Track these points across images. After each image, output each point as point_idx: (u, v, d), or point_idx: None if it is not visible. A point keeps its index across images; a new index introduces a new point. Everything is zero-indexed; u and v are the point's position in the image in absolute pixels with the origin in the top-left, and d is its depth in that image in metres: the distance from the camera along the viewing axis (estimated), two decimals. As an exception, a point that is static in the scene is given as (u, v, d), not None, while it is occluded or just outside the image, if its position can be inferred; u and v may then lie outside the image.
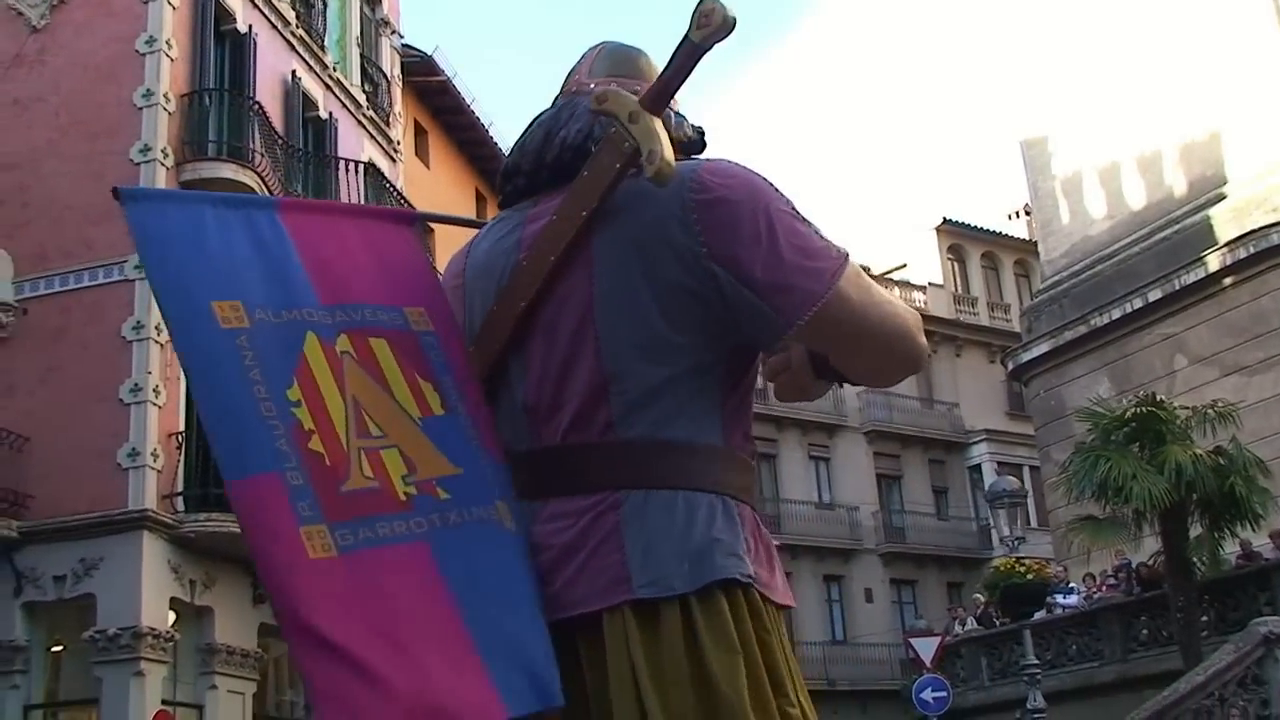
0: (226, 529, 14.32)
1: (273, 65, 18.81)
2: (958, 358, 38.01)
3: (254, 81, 17.93)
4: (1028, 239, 37.47)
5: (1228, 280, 20.40)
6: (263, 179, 16.69)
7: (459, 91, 25.30)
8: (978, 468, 36.42)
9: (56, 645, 15.52)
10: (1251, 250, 19.99)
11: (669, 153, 1.70)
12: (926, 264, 38.73)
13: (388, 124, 22.74)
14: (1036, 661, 16.32)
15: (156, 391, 15.20)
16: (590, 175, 1.79)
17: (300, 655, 1.59)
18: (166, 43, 16.54)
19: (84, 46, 16.70)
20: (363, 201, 18.62)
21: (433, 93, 25.12)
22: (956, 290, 39.14)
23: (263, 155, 17.15)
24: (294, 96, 19.38)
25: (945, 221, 39.39)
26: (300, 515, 1.65)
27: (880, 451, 36.11)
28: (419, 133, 25.14)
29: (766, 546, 1.82)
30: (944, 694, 17.96)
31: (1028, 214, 34.13)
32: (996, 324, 38.71)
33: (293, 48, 19.63)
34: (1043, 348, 23.82)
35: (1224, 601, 17.11)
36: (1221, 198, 21.06)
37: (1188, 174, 21.91)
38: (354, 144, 20.96)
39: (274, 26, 19.11)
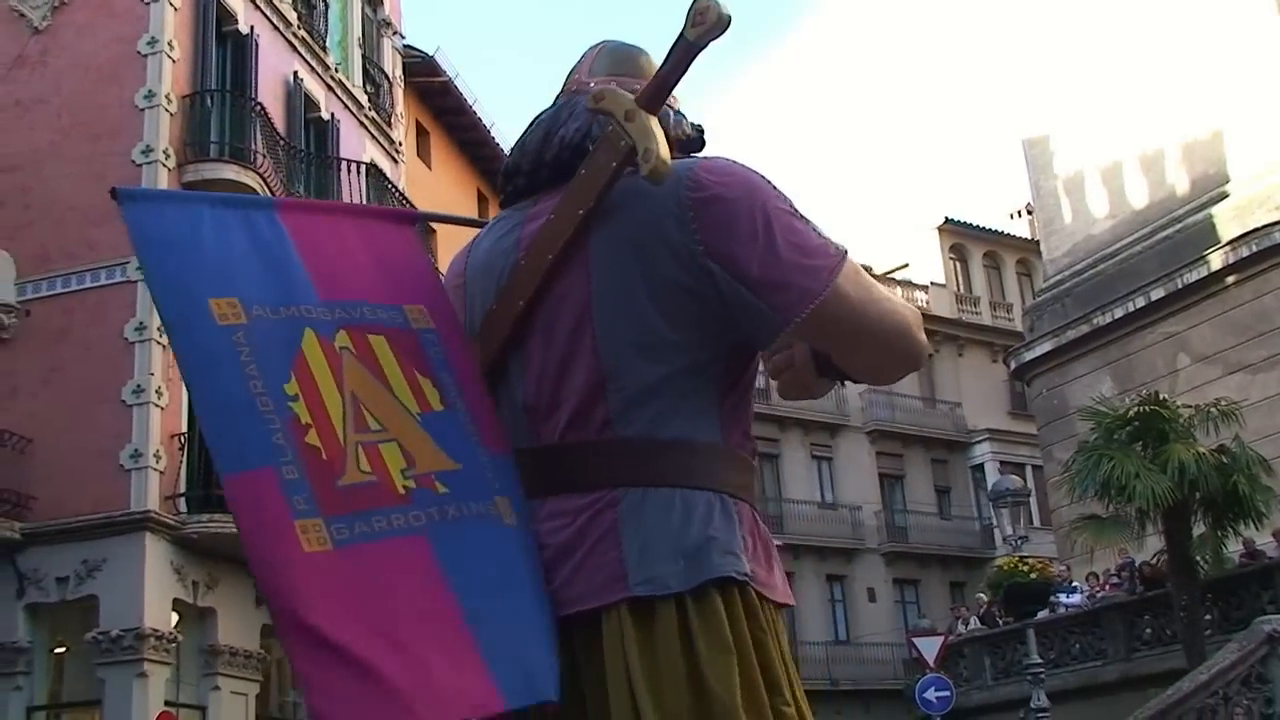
0: (229, 530, 14.30)
1: (274, 66, 18.81)
2: (960, 357, 37.99)
3: (256, 82, 17.93)
4: (1030, 238, 37.45)
5: (1230, 279, 20.38)
6: (264, 180, 16.69)
7: (461, 92, 25.31)
8: (980, 467, 36.41)
9: (59, 647, 15.52)
10: (1254, 248, 19.97)
11: (664, 151, 1.71)
12: (928, 263, 38.72)
13: (389, 125, 22.74)
14: (1040, 661, 16.31)
15: (159, 392, 15.20)
16: (587, 174, 1.80)
17: (293, 648, 1.59)
18: (168, 44, 16.55)
19: (86, 48, 16.71)
20: (364, 202, 18.62)
21: (434, 93, 25.13)
22: (959, 290, 39.12)
23: (264, 156, 17.16)
24: (296, 97, 19.38)
25: (947, 221, 39.37)
26: (295, 509, 1.65)
27: (883, 451, 36.10)
28: (421, 133, 25.14)
29: (765, 544, 1.82)
30: (947, 693, 17.96)
31: (1029, 213, 34.12)
32: (999, 323, 38.69)
33: (294, 49, 19.64)
34: (1045, 347, 23.81)
35: (1227, 600, 17.10)
36: (1224, 196, 21.04)
37: (1190, 172, 21.89)
38: (356, 145, 20.97)
39: (275, 27, 19.11)
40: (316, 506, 1.66)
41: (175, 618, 15.37)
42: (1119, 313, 22.15)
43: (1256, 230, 19.99)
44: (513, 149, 1.97)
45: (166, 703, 14.86)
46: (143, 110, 16.23)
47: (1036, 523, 26.55)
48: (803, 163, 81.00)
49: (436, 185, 24.58)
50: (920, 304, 35.35)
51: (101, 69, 16.56)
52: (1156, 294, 21.45)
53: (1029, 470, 31.93)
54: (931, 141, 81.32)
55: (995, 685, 20.37)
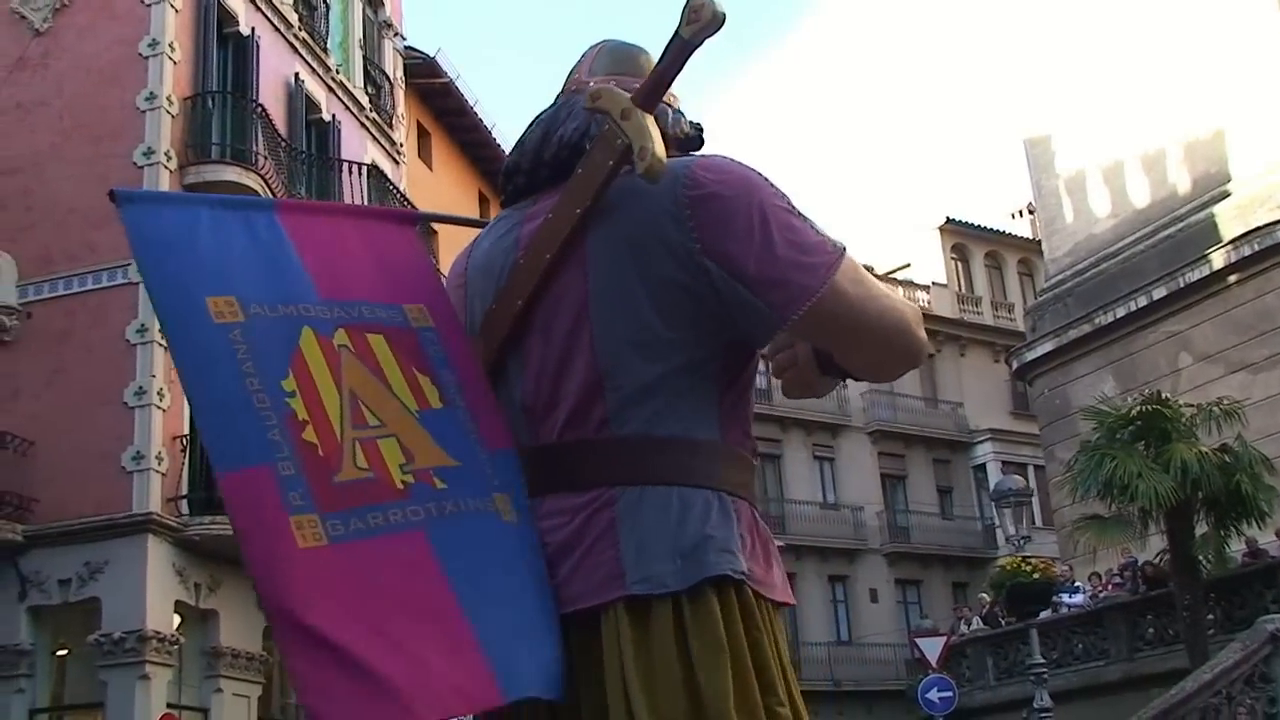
0: (231, 532, 14.19)
1: (275, 68, 18.81)
2: (962, 357, 37.98)
3: (257, 84, 17.93)
4: (1031, 238, 37.45)
5: (1232, 278, 20.37)
6: (266, 181, 16.69)
7: (462, 93, 25.32)
8: (982, 467, 36.40)
9: (61, 649, 15.51)
10: (1256, 247, 19.96)
11: (660, 149, 1.71)
12: (930, 263, 38.71)
13: (390, 126, 22.75)
14: (1043, 661, 16.30)
15: (160, 394, 15.20)
16: (584, 173, 1.80)
17: (287, 646, 1.58)
18: (169, 45, 16.55)
19: (87, 50, 16.71)
20: (366, 204, 18.62)
21: (435, 95, 25.13)
22: (960, 290, 39.11)
23: (266, 158, 17.16)
24: (297, 99, 19.38)
25: (948, 221, 39.37)
26: (291, 505, 1.65)
27: (885, 451, 36.09)
28: (422, 135, 25.15)
29: (764, 543, 1.81)
30: (950, 694, 17.96)
31: (1031, 213, 34.13)
32: (1000, 323, 38.67)
33: (295, 50, 19.64)
34: (1047, 346, 23.80)
35: (1230, 599, 17.08)
36: (1225, 195, 21.03)
37: (1191, 171, 21.88)
38: (357, 146, 20.98)
39: (276, 29, 19.12)
40: (312, 502, 1.66)
41: (177, 620, 15.37)
42: (1121, 312, 22.13)
43: (1258, 229, 19.98)
44: (513, 149, 1.98)
45: (169, 705, 14.86)
46: (144, 112, 16.23)
47: (1038, 523, 26.53)
48: (803, 163, 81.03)
49: (438, 186, 24.59)
50: (922, 304, 35.34)
51: (103, 71, 16.56)
52: (1158, 293, 21.44)
53: (1031, 470, 31.90)
54: (932, 141, 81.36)
55: (998, 685, 20.36)
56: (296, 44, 19.66)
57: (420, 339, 1.88)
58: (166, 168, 15.98)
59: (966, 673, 20.70)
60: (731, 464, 1.81)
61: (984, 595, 23.30)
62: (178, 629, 15.23)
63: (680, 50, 1.75)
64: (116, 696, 14.41)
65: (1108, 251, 23.17)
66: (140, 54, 16.49)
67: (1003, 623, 20.78)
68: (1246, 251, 20.11)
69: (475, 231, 2.09)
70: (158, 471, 15.10)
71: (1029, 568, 17.51)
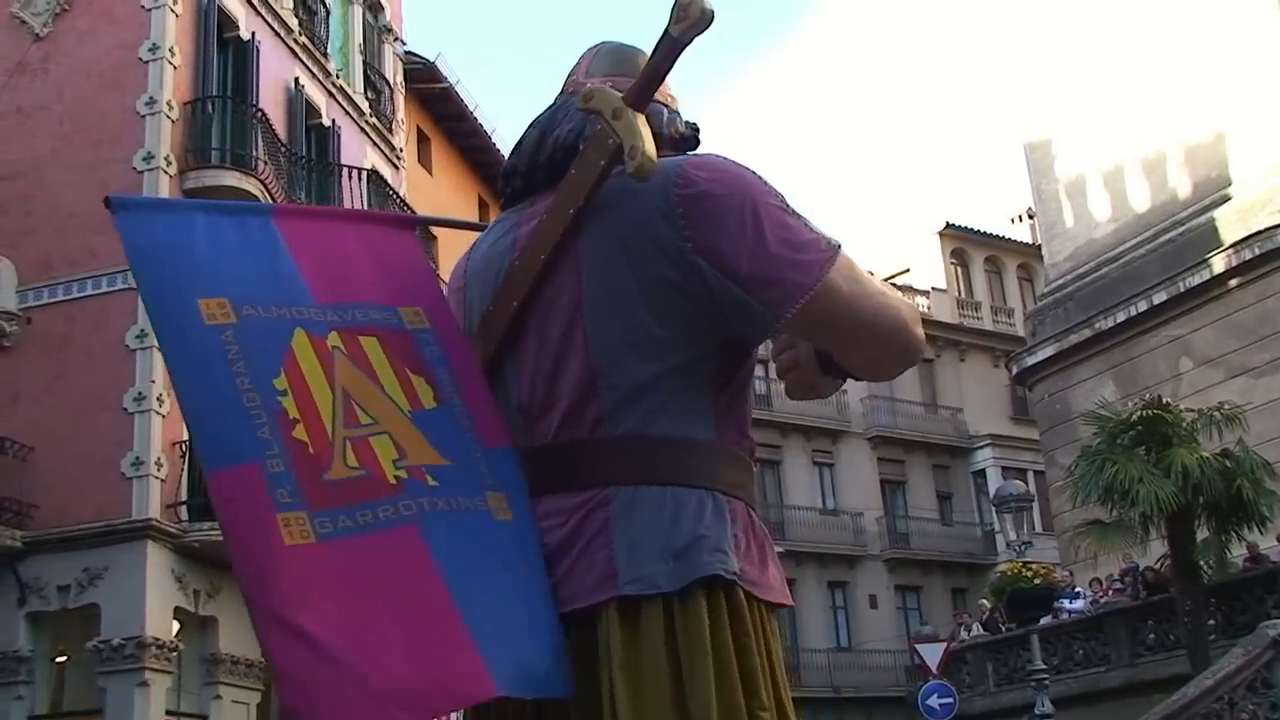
0: (231, 538, 14.26)
1: (275, 72, 18.81)
2: (961, 362, 37.99)
3: (257, 89, 17.92)
4: (1031, 242, 37.48)
5: (1233, 282, 20.37)
6: (266, 186, 16.67)
7: (461, 98, 25.34)
8: (982, 473, 36.41)
9: (60, 655, 15.47)
10: (1257, 251, 19.97)
11: (650, 148, 1.71)
12: (929, 268, 38.74)
13: (390, 131, 22.75)
14: (1044, 667, 16.28)
15: (160, 400, 15.16)
16: (577, 174, 1.81)
17: (270, 644, 1.57)
18: (169, 50, 16.53)
19: (87, 54, 16.69)
20: (365, 209, 18.61)
21: (435, 99, 25.14)
22: (960, 294, 39.13)
23: (266, 163, 17.15)
24: (297, 104, 19.38)
25: (948, 225, 39.40)
26: (279, 502, 1.65)
27: (884, 457, 36.09)
28: (421, 139, 25.15)
29: (760, 544, 1.81)
30: (950, 700, 17.92)
31: (1030, 217, 34.14)
32: (1000, 328, 38.69)
33: (295, 55, 19.64)
34: (1047, 351, 23.79)
35: (1231, 605, 17.04)
36: (1226, 199, 21.04)
37: (1192, 175, 21.89)
38: (357, 151, 20.97)
39: (276, 34, 19.11)
40: (301, 500, 1.66)
41: (177, 626, 15.33)
42: (1121, 316, 22.13)
43: (1259, 233, 19.99)
44: (511, 151, 1.99)
45: (168, 712, 14.82)
46: (144, 117, 16.21)
47: (1038, 528, 26.54)
48: (803, 166, 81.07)
49: (437, 191, 24.58)
50: (921, 309, 35.31)
51: (103, 75, 16.55)
52: (1159, 297, 21.44)
53: (1031, 476, 31.90)
54: (932, 145, 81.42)
55: (998, 691, 20.32)
56: (296, 49, 19.65)
57: (415, 340, 1.89)
58: (166, 173, 15.96)
59: (967, 679, 20.66)
60: (728, 464, 1.81)
61: (984, 601, 23.28)
62: (177, 635, 15.19)
63: (670, 49, 1.75)
64: (115, 703, 14.37)
65: (1108, 256, 23.17)
66: (140, 59, 16.47)
67: (1003, 628, 20.76)
68: (1247, 255, 20.11)
69: (475, 235, 2.10)
70: (157, 477, 15.07)
71: (1030, 573, 17.51)
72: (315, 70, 20.17)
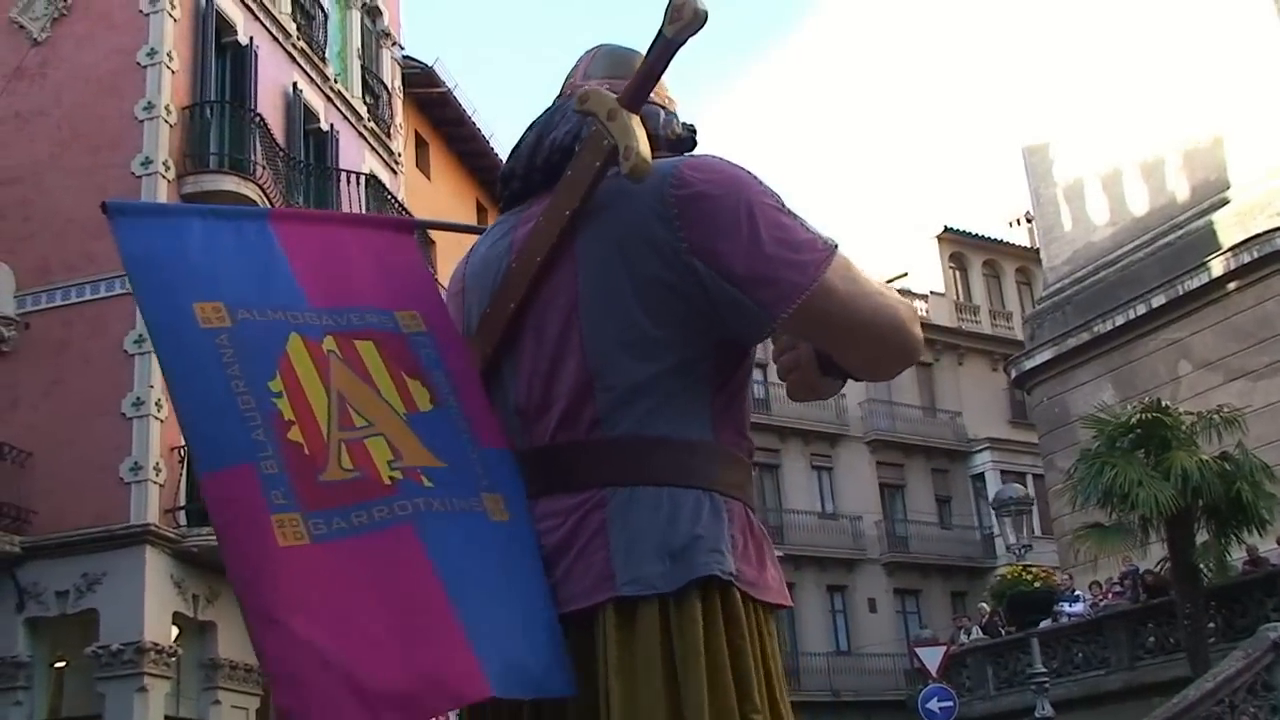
0: (230, 542, 14.23)
1: (274, 77, 18.81)
2: (960, 366, 38.00)
3: (255, 93, 17.92)
4: (1029, 246, 37.50)
5: (1232, 285, 20.38)
6: (264, 191, 16.67)
7: (459, 103, 25.33)
8: (981, 476, 36.40)
9: (59, 661, 15.44)
10: (1255, 254, 19.97)
11: (645, 149, 1.71)
12: (928, 272, 38.75)
13: (389, 136, 22.74)
14: (1044, 670, 16.27)
15: (159, 405, 15.15)
16: (573, 175, 1.81)
17: (262, 645, 1.57)
18: (168, 55, 16.53)
19: (85, 59, 16.69)
20: (364, 213, 18.59)
21: (433, 104, 25.15)
22: (958, 298, 39.15)
23: (264, 167, 17.15)
24: (295, 108, 19.38)
25: (946, 229, 39.41)
26: (273, 503, 1.64)
27: (883, 461, 36.08)
28: (420, 144, 25.15)
29: (758, 544, 1.81)
30: (950, 703, 17.88)
31: (1029, 221, 34.14)
32: (999, 332, 38.71)
33: (294, 60, 19.64)
34: (1046, 355, 23.79)
35: (1231, 608, 17.04)
36: (1225, 202, 21.05)
37: (1190, 179, 21.90)
38: (355, 156, 20.97)
39: (275, 38, 19.11)
40: (295, 501, 1.66)
41: (175, 631, 15.31)
42: (1120, 320, 22.14)
43: (1258, 236, 19.99)
44: (509, 154, 2.00)
45: (167, 717, 14.82)
46: (142, 121, 16.21)
47: (1037, 531, 26.56)
48: (801, 170, 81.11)
49: (436, 196, 24.57)
50: (920, 313, 35.27)
51: (101, 80, 16.55)
52: (1158, 301, 21.45)
53: (1030, 479, 31.90)
54: (930, 149, 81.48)
55: (998, 695, 20.29)
56: (295, 53, 19.65)
57: (410, 344, 1.89)
58: (165, 177, 15.96)
59: (967, 682, 20.63)
60: (725, 464, 1.81)
61: (984, 605, 23.26)
62: (176, 640, 15.17)
63: (664, 49, 1.75)
64: (114, 708, 14.34)
65: (1107, 259, 23.18)
66: (138, 63, 16.47)
67: (1003, 632, 20.74)
68: (1246, 259, 20.12)
69: (473, 239, 2.11)
70: (155, 482, 15.05)
71: (1030, 576, 17.48)
72: (313, 75, 20.17)
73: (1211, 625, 16.67)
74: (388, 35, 23.80)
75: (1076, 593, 20.29)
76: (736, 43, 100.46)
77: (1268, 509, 16.05)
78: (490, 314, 1.88)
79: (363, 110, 21.81)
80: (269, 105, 18.27)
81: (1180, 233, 21.59)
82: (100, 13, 16.91)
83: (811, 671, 31.67)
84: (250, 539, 1.62)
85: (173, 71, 16.62)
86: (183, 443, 15.39)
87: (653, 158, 1.75)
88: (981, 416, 37.11)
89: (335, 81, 20.92)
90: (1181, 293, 21.05)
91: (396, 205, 21.03)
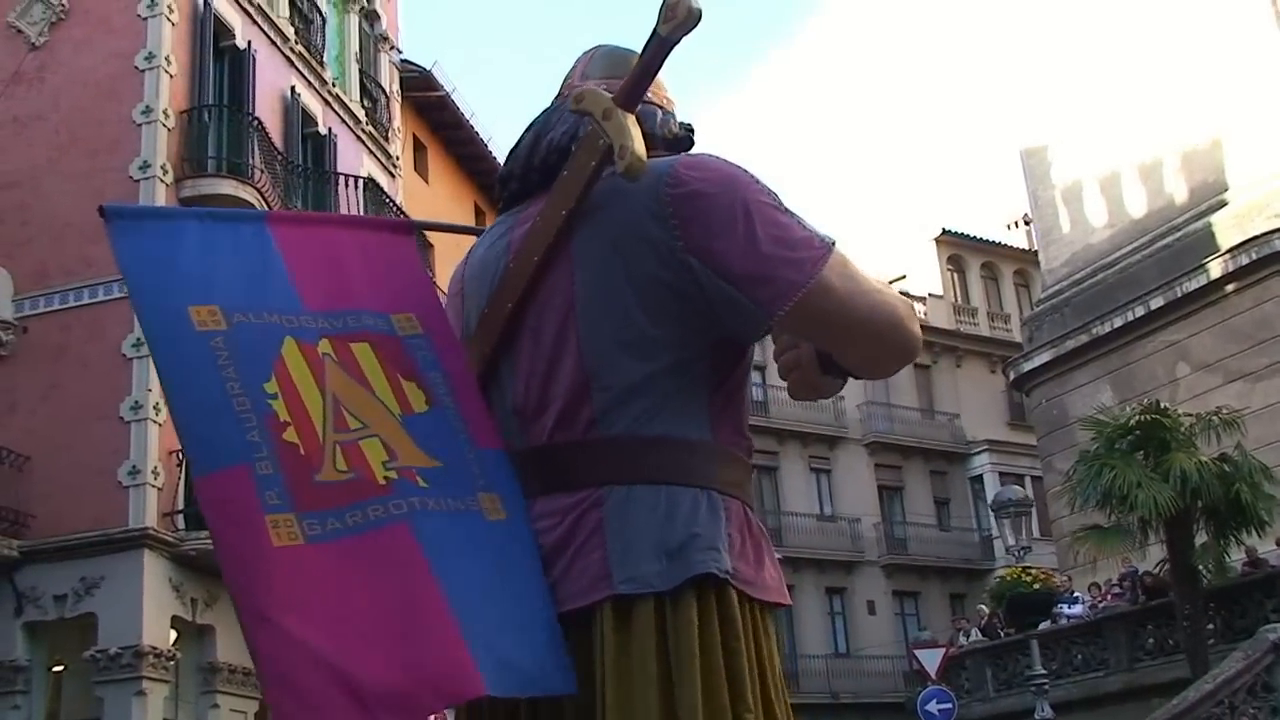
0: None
1: (272, 81, 18.81)
2: (958, 368, 37.99)
3: (253, 97, 17.93)
4: (1027, 249, 37.50)
5: (1230, 287, 20.38)
6: (262, 195, 16.67)
7: (458, 106, 25.35)
8: (979, 478, 36.39)
9: (58, 665, 15.41)
10: (1254, 256, 19.97)
11: (640, 148, 1.71)
12: (926, 275, 38.74)
13: (387, 139, 22.74)
14: (1044, 672, 16.25)
15: (157, 409, 15.13)
16: (569, 175, 1.81)
17: (255, 644, 1.57)
18: (166, 59, 16.53)
19: (83, 64, 16.69)
20: (362, 215, 18.60)
21: (431, 108, 25.15)
22: (956, 301, 39.14)
23: (262, 171, 17.15)
24: (293, 112, 19.38)
25: (944, 232, 39.40)
26: (267, 504, 1.65)
27: (881, 463, 36.06)
28: (418, 148, 25.15)
29: (756, 542, 1.80)
30: (949, 705, 17.86)
31: (1027, 223, 34.15)
32: (997, 334, 38.71)
33: (292, 64, 19.64)
34: (1044, 357, 23.79)
35: (1230, 609, 17.03)
36: (1223, 204, 21.05)
37: (1189, 180, 21.91)
38: (353, 159, 20.97)
39: (273, 43, 19.12)
40: (290, 501, 1.66)
41: (174, 635, 15.29)
42: (1118, 322, 22.14)
43: (1256, 238, 19.99)
44: (507, 155, 2.00)
45: (165, 720, 14.79)
46: (140, 126, 16.21)
47: (1036, 533, 26.56)
48: (799, 172, 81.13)
49: (434, 199, 24.57)
50: (918, 316, 35.30)
51: (99, 85, 16.54)
52: (1156, 303, 21.45)
53: (1028, 481, 31.90)
54: (928, 152, 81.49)
55: (997, 697, 20.28)
56: (292, 57, 19.66)
57: (406, 347, 1.89)
58: (163, 181, 15.96)
59: (966, 684, 20.62)
60: (723, 463, 1.81)
61: (982, 606, 23.25)
62: (174, 644, 15.16)
63: (658, 48, 1.75)
64: (113, 712, 14.33)
65: (1105, 261, 23.18)
66: (136, 68, 16.47)
67: (1002, 633, 20.73)
68: (1244, 260, 20.11)
69: (472, 241, 2.11)
70: (154, 486, 15.04)
71: (1029, 578, 17.47)
72: (311, 79, 20.18)
73: (1211, 627, 16.66)
74: (385, 39, 23.82)
75: (1076, 594, 20.29)
76: (737, 45, 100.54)
77: (1267, 510, 16.04)
78: (488, 314, 1.88)
79: (361, 114, 21.82)
80: (267, 109, 18.28)
81: (1179, 235, 21.60)
82: (98, 17, 16.91)
83: (810, 674, 31.65)
84: (244, 539, 1.62)
85: (171, 75, 16.63)
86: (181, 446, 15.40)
87: (649, 157, 1.75)
88: (980, 418, 37.11)
89: (333, 85, 20.93)
90: (1180, 295, 21.05)
91: (395, 209, 21.03)
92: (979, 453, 36.74)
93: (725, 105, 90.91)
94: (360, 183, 20.01)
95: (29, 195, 16.17)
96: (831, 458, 35.29)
